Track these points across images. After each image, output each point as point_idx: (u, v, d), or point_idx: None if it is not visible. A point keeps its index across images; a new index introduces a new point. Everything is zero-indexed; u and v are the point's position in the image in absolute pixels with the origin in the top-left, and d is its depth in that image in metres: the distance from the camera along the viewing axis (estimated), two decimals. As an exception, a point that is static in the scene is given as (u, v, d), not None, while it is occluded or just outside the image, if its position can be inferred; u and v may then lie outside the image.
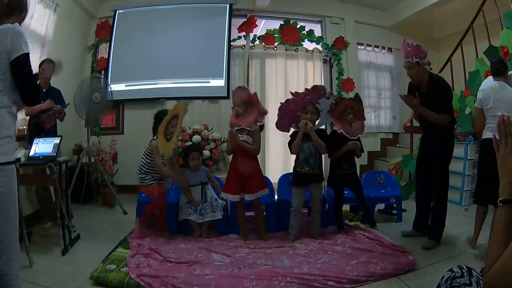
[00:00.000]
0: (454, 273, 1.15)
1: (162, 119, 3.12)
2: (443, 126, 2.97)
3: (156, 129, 3.17)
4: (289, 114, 3.14)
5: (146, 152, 3.19)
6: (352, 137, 3.18)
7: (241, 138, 3.05)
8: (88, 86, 4.16)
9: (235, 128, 3.08)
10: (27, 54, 1.66)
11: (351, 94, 5.33)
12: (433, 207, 3.15)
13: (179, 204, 3.26)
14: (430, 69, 3.02)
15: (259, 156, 3.22)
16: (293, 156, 3.20)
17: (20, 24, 1.73)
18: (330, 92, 3.24)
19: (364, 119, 3.32)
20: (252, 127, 3.05)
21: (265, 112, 3.11)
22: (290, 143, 3.13)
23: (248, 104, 3.12)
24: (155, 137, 3.17)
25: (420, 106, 2.98)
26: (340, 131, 3.15)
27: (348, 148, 3.15)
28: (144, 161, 3.19)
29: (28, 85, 1.71)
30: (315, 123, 3.10)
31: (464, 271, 1.14)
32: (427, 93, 3.00)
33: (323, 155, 3.17)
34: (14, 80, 1.66)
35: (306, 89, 3.18)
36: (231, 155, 3.19)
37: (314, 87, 3.19)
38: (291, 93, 3.16)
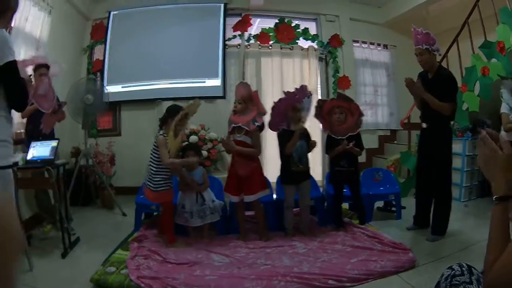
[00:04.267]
0: (454, 271, 1.14)
1: (176, 114, 2.95)
2: (445, 115, 3.01)
3: (165, 121, 3.01)
4: (280, 114, 3.13)
5: (153, 149, 2.99)
6: (340, 137, 3.20)
7: (238, 138, 3.01)
8: (83, 88, 4.12)
9: (233, 125, 3.05)
10: (12, 62, 1.61)
11: (348, 92, 5.34)
12: (435, 202, 3.16)
13: (176, 207, 3.19)
14: (440, 55, 3.05)
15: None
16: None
17: (10, 23, 1.70)
18: (310, 92, 3.24)
19: (362, 115, 3.31)
20: (250, 127, 2.98)
21: (264, 112, 3.06)
22: (283, 143, 3.10)
23: (248, 102, 3.04)
24: (161, 132, 2.97)
25: (425, 92, 3.02)
26: (326, 131, 3.22)
27: (342, 149, 3.16)
28: (152, 159, 2.98)
29: (14, 93, 1.67)
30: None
31: (464, 269, 1.13)
32: (433, 82, 3.05)
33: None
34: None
35: (296, 88, 3.16)
36: (230, 154, 3.17)
37: (301, 86, 3.18)
38: (284, 93, 3.15)
